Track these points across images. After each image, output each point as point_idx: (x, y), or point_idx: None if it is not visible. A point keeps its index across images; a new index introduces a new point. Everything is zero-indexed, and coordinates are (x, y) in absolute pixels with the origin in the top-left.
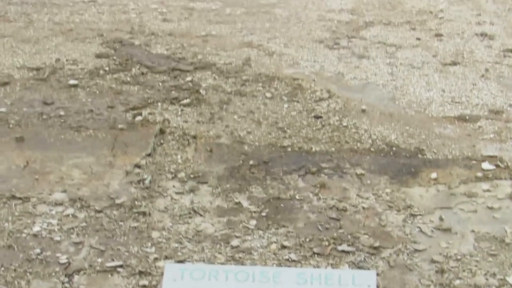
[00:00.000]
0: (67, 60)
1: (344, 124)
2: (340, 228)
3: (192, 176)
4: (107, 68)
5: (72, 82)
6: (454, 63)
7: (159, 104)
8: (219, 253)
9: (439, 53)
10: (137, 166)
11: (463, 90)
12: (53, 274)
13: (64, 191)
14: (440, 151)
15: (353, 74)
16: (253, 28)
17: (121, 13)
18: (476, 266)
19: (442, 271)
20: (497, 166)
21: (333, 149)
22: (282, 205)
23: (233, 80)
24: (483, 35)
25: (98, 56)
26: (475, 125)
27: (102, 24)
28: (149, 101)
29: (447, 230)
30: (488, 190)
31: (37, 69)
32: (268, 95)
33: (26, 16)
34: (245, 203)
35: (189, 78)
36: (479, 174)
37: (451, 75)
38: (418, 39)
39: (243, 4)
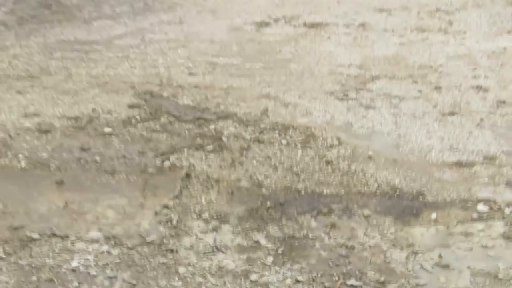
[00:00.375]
0: (102, 110)
1: (352, 169)
2: (349, 264)
3: (215, 216)
4: (138, 117)
5: (107, 130)
6: (452, 113)
7: (185, 150)
8: (239, 287)
9: (438, 104)
10: (166, 207)
11: (460, 138)
12: None
13: (100, 230)
14: (439, 194)
15: (360, 123)
16: (270, 81)
17: (151, 67)
18: None
19: None
20: (491, 208)
21: (342, 192)
22: (296, 243)
23: (252, 128)
24: (479, 87)
25: (131, 106)
26: (471, 170)
27: (134, 77)
28: (176, 147)
29: (446, 267)
30: (483, 230)
31: (76, 118)
32: (284, 142)
33: (66, 70)
34: (263, 241)
35: (212, 127)
36: (475, 215)
37: (450, 124)
38: (419, 91)
39: (261, 59)
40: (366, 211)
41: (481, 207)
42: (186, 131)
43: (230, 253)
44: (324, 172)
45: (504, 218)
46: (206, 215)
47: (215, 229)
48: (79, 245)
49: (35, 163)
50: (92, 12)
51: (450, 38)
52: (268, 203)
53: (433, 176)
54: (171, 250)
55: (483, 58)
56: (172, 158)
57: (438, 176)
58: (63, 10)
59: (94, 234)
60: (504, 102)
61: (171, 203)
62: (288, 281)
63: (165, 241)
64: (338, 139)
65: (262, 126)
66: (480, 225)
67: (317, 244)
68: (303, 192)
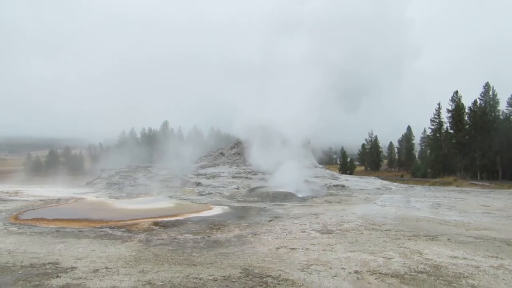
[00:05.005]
0: (231, 275)
1: None
2: None
3: None
4: (244, 275)
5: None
6: None
7: None
8: None
9: None
10: None
11: None
12: None
13: None
14: None
15: None
16: (281, 260)
17: (245, 261)
18: None
19: None
20: None
21: None
22: None
23: None
24: None
25: (240, 272)
26: None
27: (241, 264)
28: None
29: None
30: None
31: (227, 277)
32: None
33: (221, 260)
34: None
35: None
36: None
37: None
38: None
39: (279, 258)
40: None
41: None
42: None
43: None
44: None
45: None
46: None
47: None
48: None
49: None
50: (228, 244)
51: None
52: None
53: None
54: None
55: None
56: None
57: None
58: (221, 244)
59: None
60: None
61: None
62: None
63: None
64: None
65: None
66: None
67: None
68: None
